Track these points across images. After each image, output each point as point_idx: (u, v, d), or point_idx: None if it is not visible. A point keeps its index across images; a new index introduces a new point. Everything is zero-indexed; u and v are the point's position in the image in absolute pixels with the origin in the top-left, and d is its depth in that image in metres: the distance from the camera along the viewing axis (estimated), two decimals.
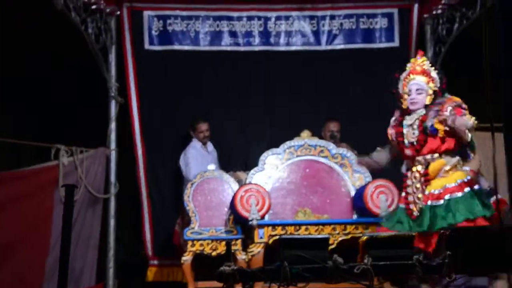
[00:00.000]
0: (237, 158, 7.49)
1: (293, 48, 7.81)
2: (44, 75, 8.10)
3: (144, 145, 7.54)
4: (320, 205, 6.18)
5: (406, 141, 4.69)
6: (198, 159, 6.97)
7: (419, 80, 4.73)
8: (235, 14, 7.82)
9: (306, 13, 7.86)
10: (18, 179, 6.71)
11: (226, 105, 7.68)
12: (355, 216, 6.19)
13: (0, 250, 6.25)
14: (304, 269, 3.58)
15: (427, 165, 4.60)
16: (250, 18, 7.83)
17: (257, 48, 7.81)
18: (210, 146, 7.21)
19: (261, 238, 6.10)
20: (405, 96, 4.76)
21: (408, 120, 4.74)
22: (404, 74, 4.82)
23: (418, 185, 4.60)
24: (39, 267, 6.53)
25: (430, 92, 4.71)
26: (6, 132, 7.96)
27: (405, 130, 4.73)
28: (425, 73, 4.76)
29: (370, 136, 6.04)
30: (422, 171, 4.60)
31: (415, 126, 4.68)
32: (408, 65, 4.86)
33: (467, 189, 4.47)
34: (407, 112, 4.76)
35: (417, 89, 4.71)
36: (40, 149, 7.12)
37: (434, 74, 4.76)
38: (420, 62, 4.84)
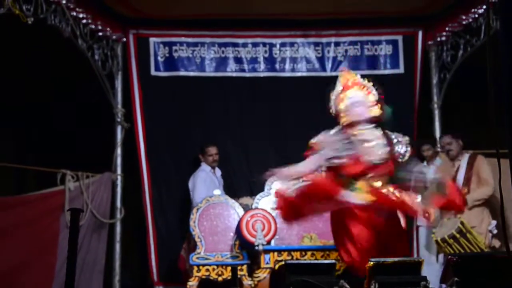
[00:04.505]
0: (242, 184, 7.50)
1: (298, 74, 7.86)
2: (50, 100, 8.15)
3: (149, 170, 7.56)
4: (326, 230, 6.14)
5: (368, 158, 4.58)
6: (207, 182, 7.00)
7: (356, 95, 4.70)
8: (240, 40, 7.88)
9: (311, 39, 7.92)
10: (24, 204, 6.71)
11: (231, 131, 7.70)
12: None
13: (6, 275, 6.23)
14: None
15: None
16: (255, 45, 7.88)
17: (262, 74, 7.86)
18: (218, 171, 7.24)
19: (267, 263, 6.11)
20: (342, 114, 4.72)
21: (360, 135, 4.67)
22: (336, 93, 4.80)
23: None
24: None
25: (369, 104, 4.68)
26: (12, 157, 7.99)
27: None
28: (358, 85, 4.74)
29: None
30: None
31: (377, 144, 4.62)
32: (338, 83, 4.82)
33: None
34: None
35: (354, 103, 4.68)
36: (46, 174, 7.13)
37: (369, 85, 4.76)
38: (351, 77, 4.82)
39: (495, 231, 6.29)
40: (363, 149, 4.57)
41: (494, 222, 6.30)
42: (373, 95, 4.72)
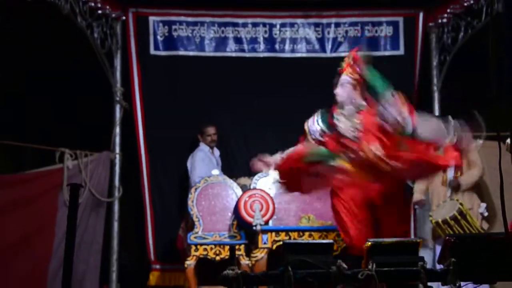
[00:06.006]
0: (241, 164, 7.50)
1: (298, 55, 7.83)
2: (48, 78, 8.12)
3: (147, 150, 7.55)
4: (324, 211, 6.19)
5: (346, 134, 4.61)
6: (205, 161, 7.01)
7: (344, 76, 4.77)
8: (240, 20, 7.84)
9: (311, 20, 7.88)
10: (22, 182, 6.72)
11: (230, 111, 7.68)
12: None
13: (3, 253, 6.25)
14: (308, 274, 3.58)
15: None
16: (255, 25, 7.85)
17: (262, 55, 7.83)
18: (217, 151, 7.25)
19: (264, 243, 6.14)
20: None
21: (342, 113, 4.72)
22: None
23: None
24: (42, 270, 6.53)
25: (353, 82, 4.72)
26: (10, 135, 7.98)
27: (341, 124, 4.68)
28: (348, 66, 4.78)
29: None
30: None
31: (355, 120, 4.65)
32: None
33: None
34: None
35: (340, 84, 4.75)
36: (44, 152, 7.13)
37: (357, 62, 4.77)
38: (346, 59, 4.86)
39: (486, 214, 6.34)
40: (343, 128, 4.62)
41: (483, 205, 6.36)
42: (358, 73, 4.74)
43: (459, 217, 5.94)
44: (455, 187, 6.31)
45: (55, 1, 6.45)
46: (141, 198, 7.47)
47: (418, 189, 6.44)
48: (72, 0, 6.71)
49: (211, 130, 7.15)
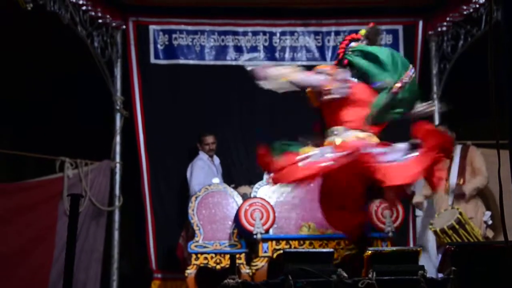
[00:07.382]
0: (241, 173, 7.50)
1: (298, 63, 7.79)
2: (49, 87, 8.13)
3: (148, 158, 7.55)
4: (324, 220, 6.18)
5: None
6: (205, 170, 7.00)
7: None
8: (240, 29, 7.85)
9: (311, 28, 7.89)
10: (22, 191, 6.73)
11: (231, 120, 7.69)
12: None
13: (4, 262, 6.25)
14: (309, 283, 3.58)
15: None
16: (255, 33, 7.86)
17: (262, 63, 7.82)
18: (217, 159, 7.24)
19: (265, 252, 6.12)
20: None
21: None
22: None
23: None
24: (43, 279, 6.53)
25: None
26: (10, 144, 7.99)
27: None
28: None
29: None
30: None
31: None
32: None
33: None
34: None
35: None
36: (44, 161, 7.14)
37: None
38: None
39: (490, 222, 6.31)
40: None
41: (488, 213, 6.34)
42: None
43: (457, 226, 5.92)
44: (459, 196, 6.29)
45: (56, 10, 6.46)
46: (141, 207, 7.46)
47: (421, 193, 6.44)
48: (72, 9, 6.72)
49: (209, 139, 7.15)
